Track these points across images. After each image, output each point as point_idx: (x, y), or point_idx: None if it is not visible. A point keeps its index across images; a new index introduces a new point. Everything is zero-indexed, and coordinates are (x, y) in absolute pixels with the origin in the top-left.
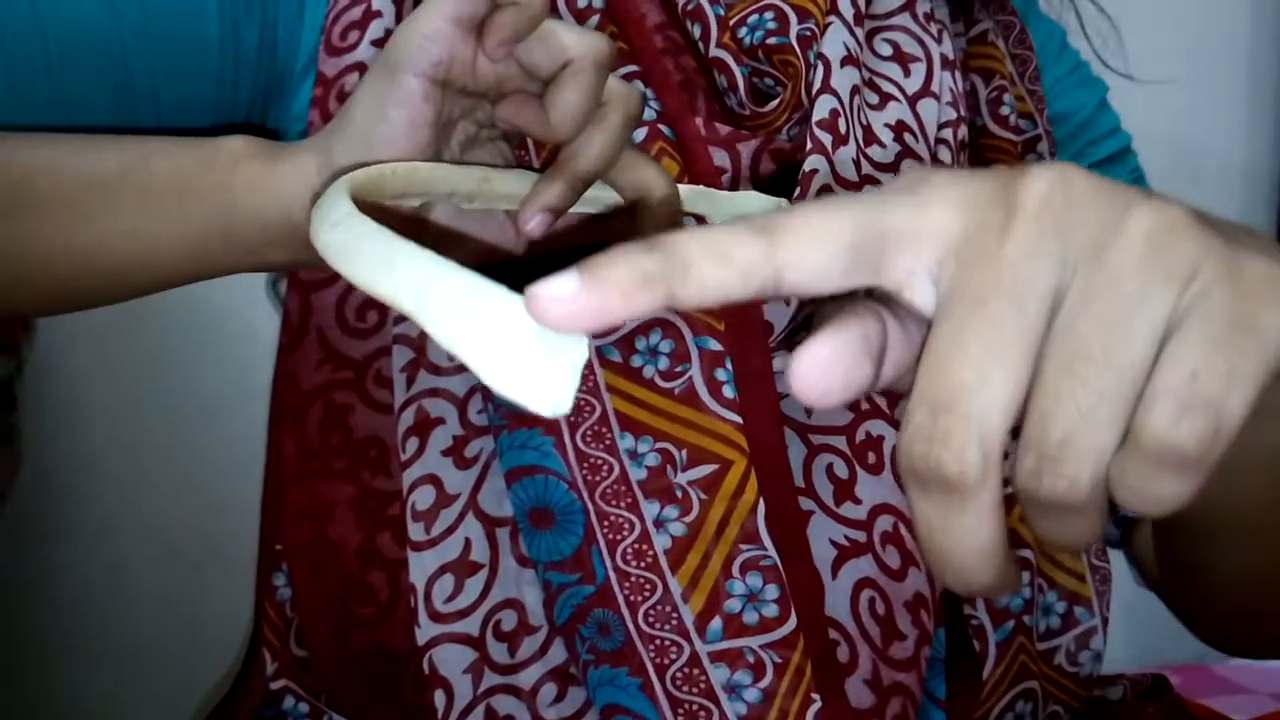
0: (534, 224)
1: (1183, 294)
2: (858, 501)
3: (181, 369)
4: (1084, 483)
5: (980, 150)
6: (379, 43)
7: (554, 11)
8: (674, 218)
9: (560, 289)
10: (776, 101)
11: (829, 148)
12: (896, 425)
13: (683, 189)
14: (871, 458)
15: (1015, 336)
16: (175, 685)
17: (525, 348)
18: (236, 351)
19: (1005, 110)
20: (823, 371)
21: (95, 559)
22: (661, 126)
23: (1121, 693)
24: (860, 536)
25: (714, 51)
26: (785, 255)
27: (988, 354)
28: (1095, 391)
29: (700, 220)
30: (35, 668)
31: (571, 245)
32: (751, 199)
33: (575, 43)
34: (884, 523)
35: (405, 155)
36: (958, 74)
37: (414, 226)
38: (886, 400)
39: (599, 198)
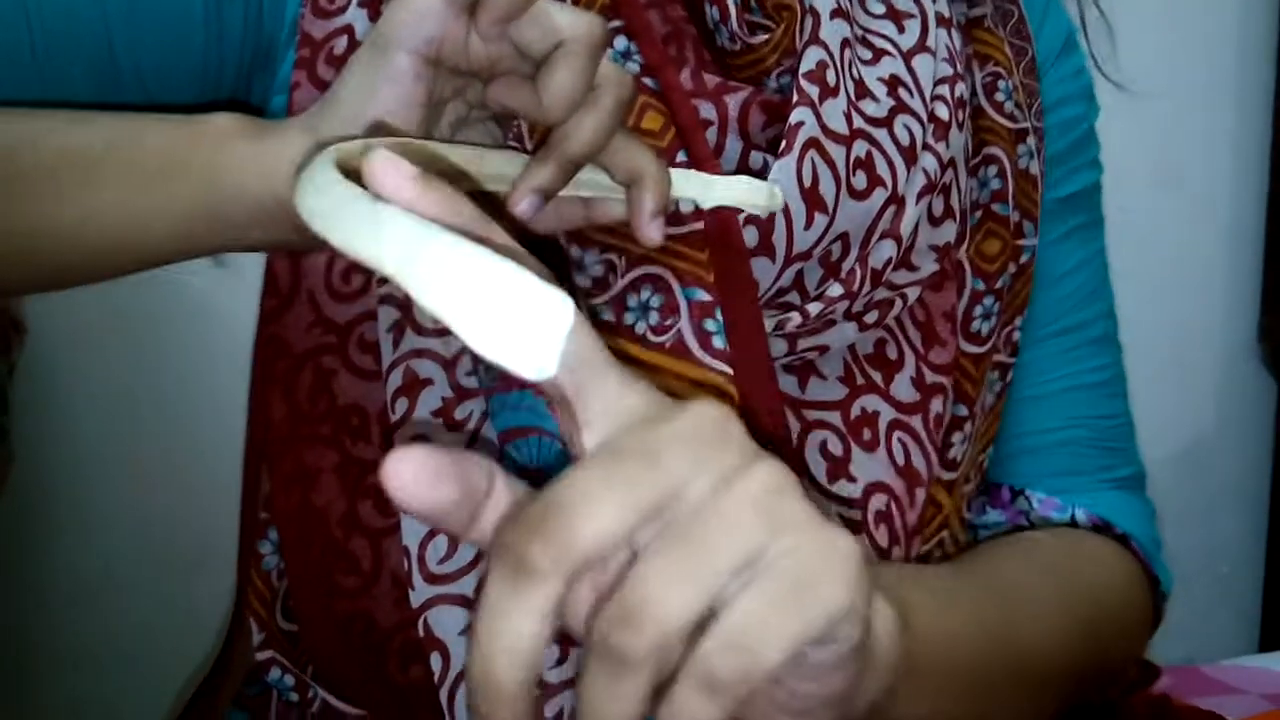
0: (524, 206)
1: (774, 542)
2: (852, 479)
3: (173, 370)
4: (646, 643)
5: (977, 130)
6: (366, 4)
7: None
8: (666, 202)
9: None
10: (767, 36)
11: (816, 100)
12: (892, 401)
13: (675, 172)
14: (866, 434)
15: (635, 496)
16: (168, 685)
17: (509, 311)
18: (227, 350)
19: (1000, 96)
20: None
21: (87, 560)
22: (646, 80)
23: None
24: (855, 516)
25: None
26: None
27: (614, 494)
28: (680, 569)
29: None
30: (27, 668)
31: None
32: (743, 183)
33: (568, 23)
34: (878, 501)
35: (395, 134)
36: (955, 32)
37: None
38: (882, 375)
39: (590, 180)
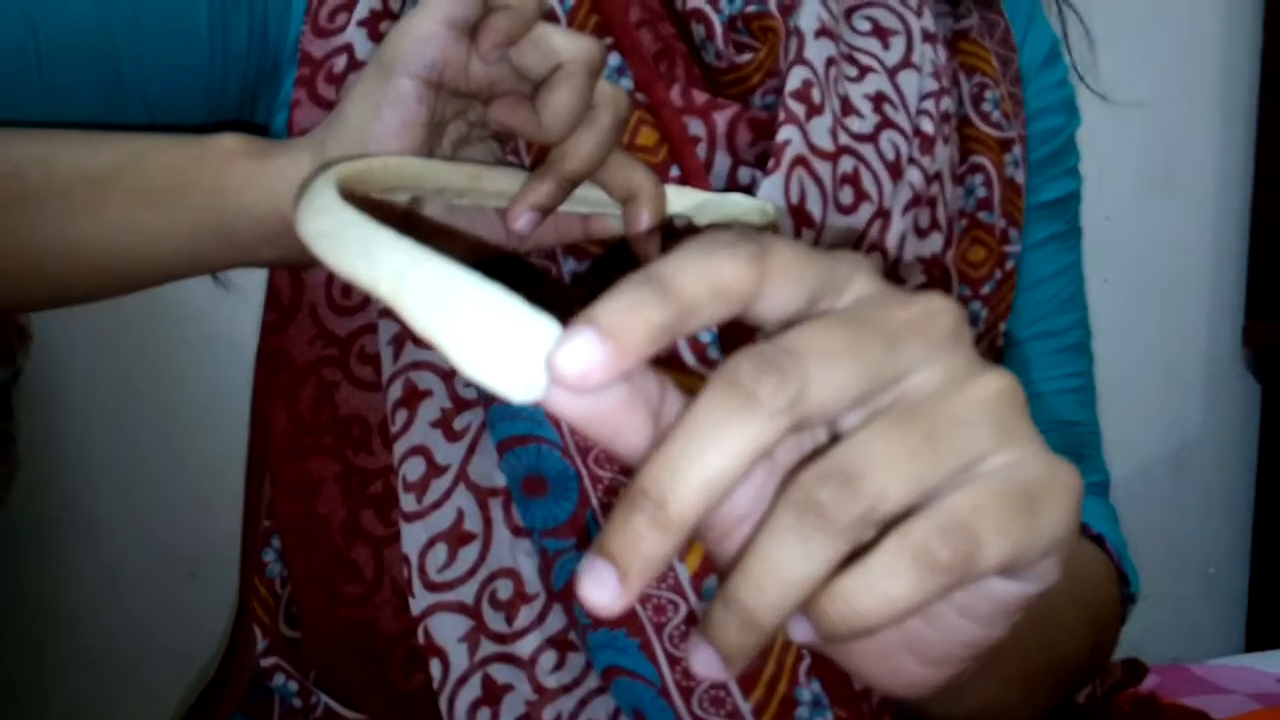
0: (522, 222)
1: (999, 452)
2: None
3: (176, 376)
4: (855, 510)
5: (964, 140)
6: (365, 23)
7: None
8: (661, 218)
9: (585, 358)
10: (751, 55)
11: (802, 118)
12: None
13: (669, 189)
14: None
15: (871, 367)
16: (172, 688)
17: (497, 333)
18: (230, 358)
19: (988, 107)
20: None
21: (91, 564)
22: (639, 96)
23: (1090, 691)
24: None
25: (691, 2)
26: (766, 288)
27: (845, 357)
28: (906, 452)
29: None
30: (32, 670)
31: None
32: (738, 201)
33: (566, 46)
34: None
35: (398, 154)
36: (940, 47)
37: (407, 222)
38: None
39: (587, 196)
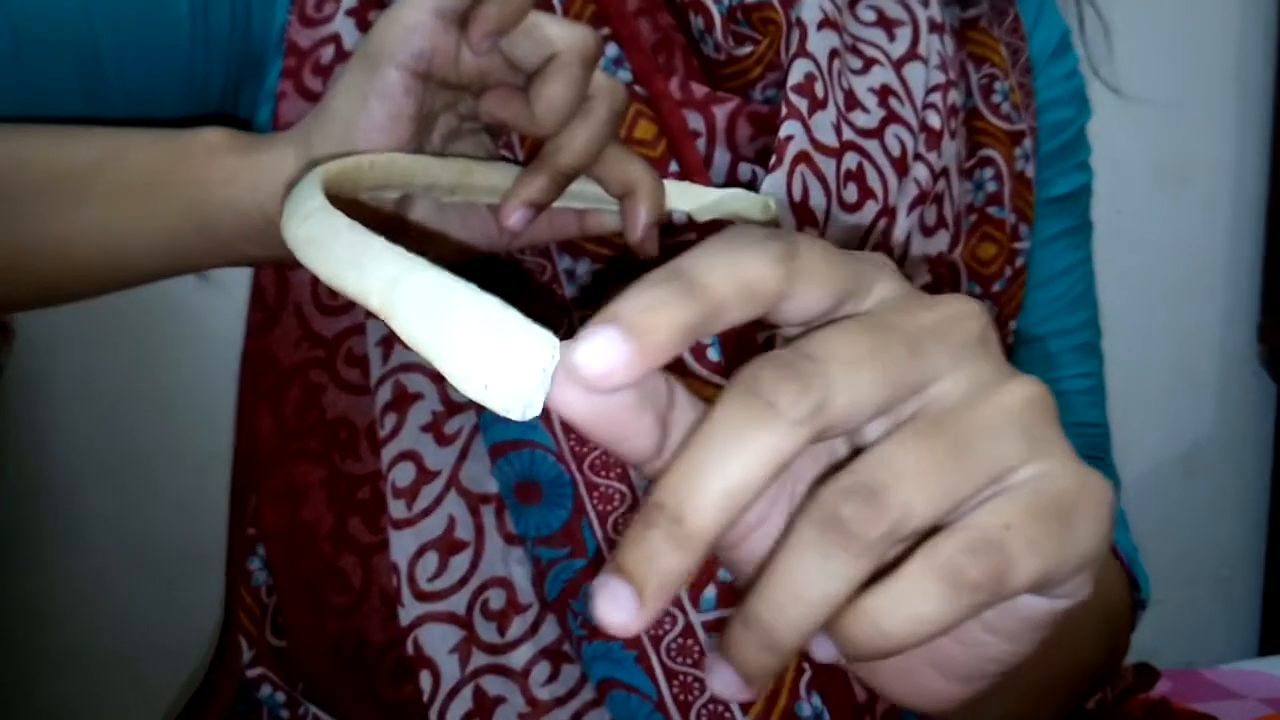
0: (515, 218)
1: (1032, 460)
2: None
3: (162, 376)
4: (880, 527)
5: (973, 133)
6: (353, 13)
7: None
8: (660, 214)
9: (607, 357)
10: (751, 47)
11: (805, 113)
12: None
13: (668, 184)
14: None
15: (895, 375)
16: (163, 689)
17: (494, 348)
18: (218, 358)
19: (997, 98)
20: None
21: (76, 566)
22: (637, 88)
23: (1101, 697)
24: None
25: None
26: (795, 289)
27: (868, 364)
28: (933, 465)
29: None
30: (18, 673)
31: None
32: (739, 197)
33: (561, 36)
34: None
35: (385, 148)
36: (947, 38)
37: (395, 225)
38: None
39: (583, 192)
